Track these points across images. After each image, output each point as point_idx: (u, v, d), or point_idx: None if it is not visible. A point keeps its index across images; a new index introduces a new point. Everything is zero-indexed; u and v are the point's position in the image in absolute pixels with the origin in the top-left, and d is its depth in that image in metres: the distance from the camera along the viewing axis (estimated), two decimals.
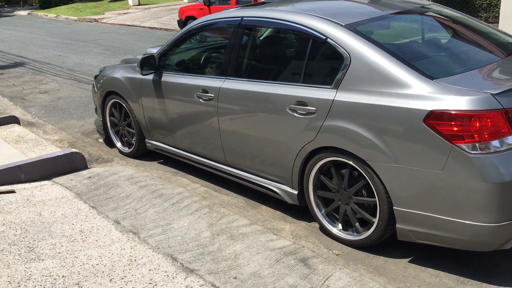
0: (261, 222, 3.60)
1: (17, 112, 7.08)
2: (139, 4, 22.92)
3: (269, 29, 3.96)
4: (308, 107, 3.23)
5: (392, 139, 2.85)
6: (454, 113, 2.64)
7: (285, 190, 3.59)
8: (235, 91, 3.75)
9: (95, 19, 20.30)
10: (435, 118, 2.68)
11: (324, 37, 3.25)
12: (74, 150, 4.78)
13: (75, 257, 3.09)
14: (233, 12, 4.05)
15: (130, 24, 17.78)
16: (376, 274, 2.98)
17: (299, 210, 3.74)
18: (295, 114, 3.30)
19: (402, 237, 3.02)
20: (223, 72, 3.93)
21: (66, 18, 22.22)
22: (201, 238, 3.32)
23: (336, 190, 3.28)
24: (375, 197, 3.04)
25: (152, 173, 4.65)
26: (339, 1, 4.14)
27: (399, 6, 3.82)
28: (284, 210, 3.82)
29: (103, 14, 21.57)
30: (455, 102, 2.66)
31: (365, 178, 3.06)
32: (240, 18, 3.88)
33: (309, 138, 3.23)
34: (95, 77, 5.52)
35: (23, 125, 6.22)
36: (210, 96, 3.92)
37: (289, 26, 3.55)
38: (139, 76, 4.61)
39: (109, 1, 25.51)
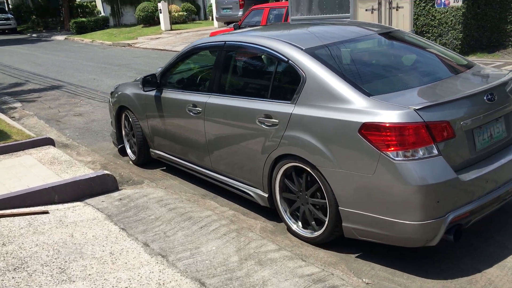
0: (289, 248, 3.57)
1: (53, 134, 7.30)
2: (171, 29, 23.51)
3: (246, 51, 4.40)
4: (272, 119, 3.68)
5: (336, 147, 3.25)
6: (381, 125, 3.03)
7: (258, 193, 4.01)
8: (217, 105, 4.23)
9: (128, 43, 20.89)
10: (367, 129, 3.08)
11: (286, 59, 3.72)
12: (106, 172, 4.88)
13: (105, 279, 3.13)
14: (219, 37, 4.62)
15: (162, 48, 18.22)
16: None
17: None
18: (263, 125, 3.76)
19: (347, 235, 3.39)
20: (209, 89, 4.44)
21: (101, 43, 22.94)
22: (229, 263, 3.31)
23: (296, 192, 3.68)
24: (325, 199, 3.42)
25: (181, 195, 4.69)
26: (309, 28, 4.57)
27: (360, 32, 4.20)
28: None
29: (136, 39, 22.18)
30: (383, 115, 3.05)
31: (317, 181, 3.44)
32: (223, 42, 4.41)
33: (274, 146, 3.67)
34: (111, 93, 6.07)
35: (58, 146, 6.39)
36: (199, 110, 4.42)
37: (260, 49, 4.05)
38: (144, 92, 5.15)
39: (142, 27, 26.25)
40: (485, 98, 3.29)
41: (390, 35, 4.28)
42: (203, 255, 3.43)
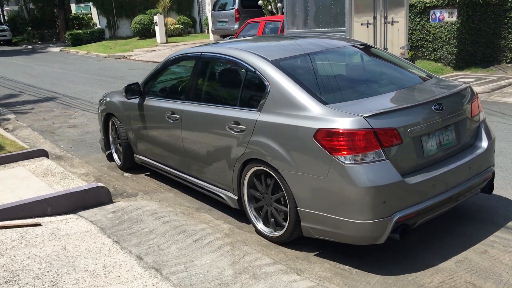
0: (284, 261, 3.54)
1: (46, 145, 7.25)
2: (167, 42, 23.57)
3: (219, 62, 4.64)
4: (240, 126, 3.91)
5: (295, 151, 3.47)
6: (333, 131, 3.25)
7: (229, 196, 4.21)
8: (193, 112, 4.46)
9: (124, 56, 20.91)
10: (321, 135, 3.30)
11: (254, 69, 3.97)
12: (99, 184, 4.84)
13: None
14: (196, 48, 4.89)
15: (157, 60, 18.24)
16: None
17: (323, 250, 3.67)
18: (232, 131, 3.98)
19: (306, 234, 3.59)
20: (186, 97, 4.67)
21: (97, 54, 22.96)
22: (223, 277, 3.27)
23: (262, 194, 3.88)
24: (286, 200, 3.61)
25: (175, 208, 4.66)
26: (281, 41, 4.81)
27: (327, 45, 4.38)
28: (307, 250, 3.75)
29: (132, 51, 22.21)
30: (335, 122, 3.28)
31: (279, 184, 3.63)
32: (199, 53, 4.68)
33: (241, 151, 3.89)
34: (100, 101, 6.27)
35: (51, 158, 6.35)
36: (176, 117, 4.65)
37: (231, 60, 4.30)
38: (128, 100, 5.37)
39: (138, 39, 26.30)
40: (433, 107, 3.51)
41: (356, 48, 4.52)
42: (197, 268, 3.39)
